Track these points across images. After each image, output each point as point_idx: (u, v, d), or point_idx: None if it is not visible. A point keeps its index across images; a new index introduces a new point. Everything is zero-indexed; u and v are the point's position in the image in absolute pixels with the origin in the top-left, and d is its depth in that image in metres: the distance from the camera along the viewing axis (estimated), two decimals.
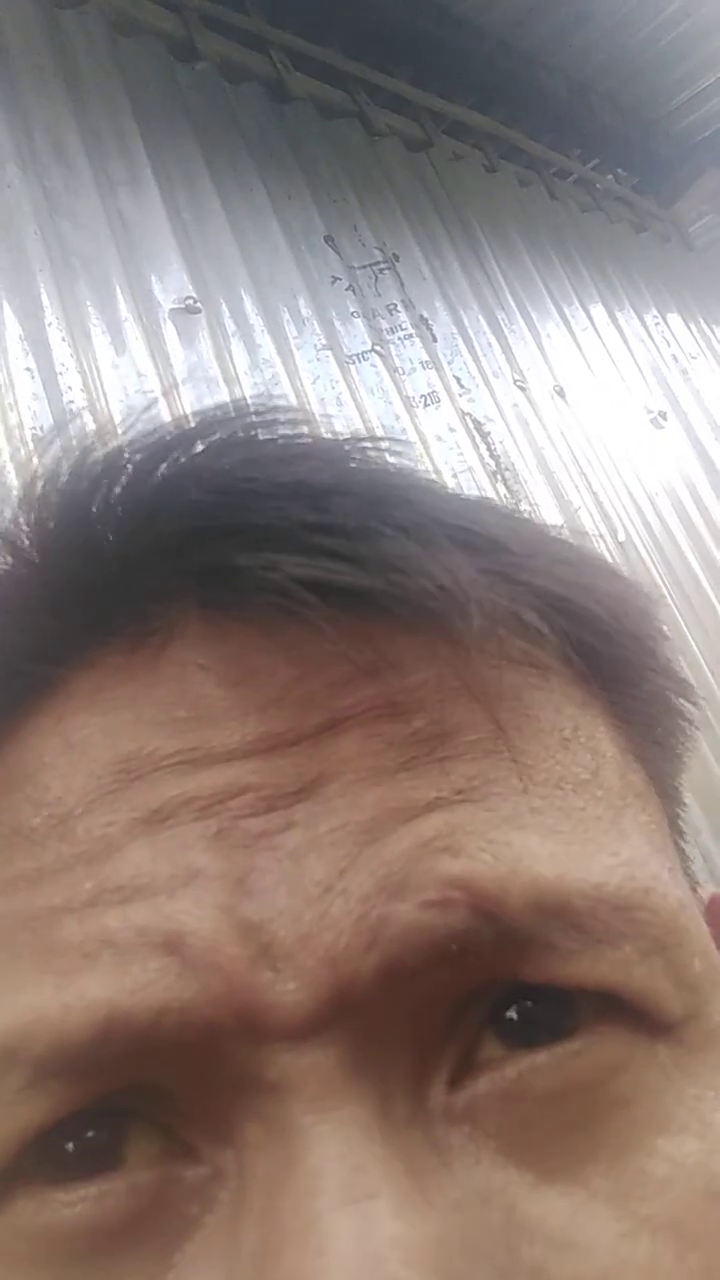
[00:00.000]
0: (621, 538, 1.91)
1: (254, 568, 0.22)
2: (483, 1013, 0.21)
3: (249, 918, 0.20)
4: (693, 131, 2.93)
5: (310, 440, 0.26)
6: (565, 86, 2.54)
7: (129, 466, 0.25)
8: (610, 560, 0.31)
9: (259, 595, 0.22)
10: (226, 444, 0.25)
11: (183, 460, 0.25)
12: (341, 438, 0.27)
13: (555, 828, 0.22)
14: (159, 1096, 0.20)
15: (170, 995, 0.19)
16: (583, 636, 0.25)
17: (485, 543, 0.24)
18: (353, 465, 0.25)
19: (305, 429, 0.26)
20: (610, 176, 2.88)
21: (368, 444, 0.27)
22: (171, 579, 0.23)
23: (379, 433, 1.55)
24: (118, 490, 0.24)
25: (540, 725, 0.24)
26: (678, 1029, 0.22)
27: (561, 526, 0.31)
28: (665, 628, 0.30)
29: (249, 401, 0.27)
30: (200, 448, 0.25)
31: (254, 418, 0.26)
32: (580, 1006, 0.21)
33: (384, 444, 0.27)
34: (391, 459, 0.27)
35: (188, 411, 1.28)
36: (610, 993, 0.21)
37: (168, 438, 0.25)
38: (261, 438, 0.26)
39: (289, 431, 0.26)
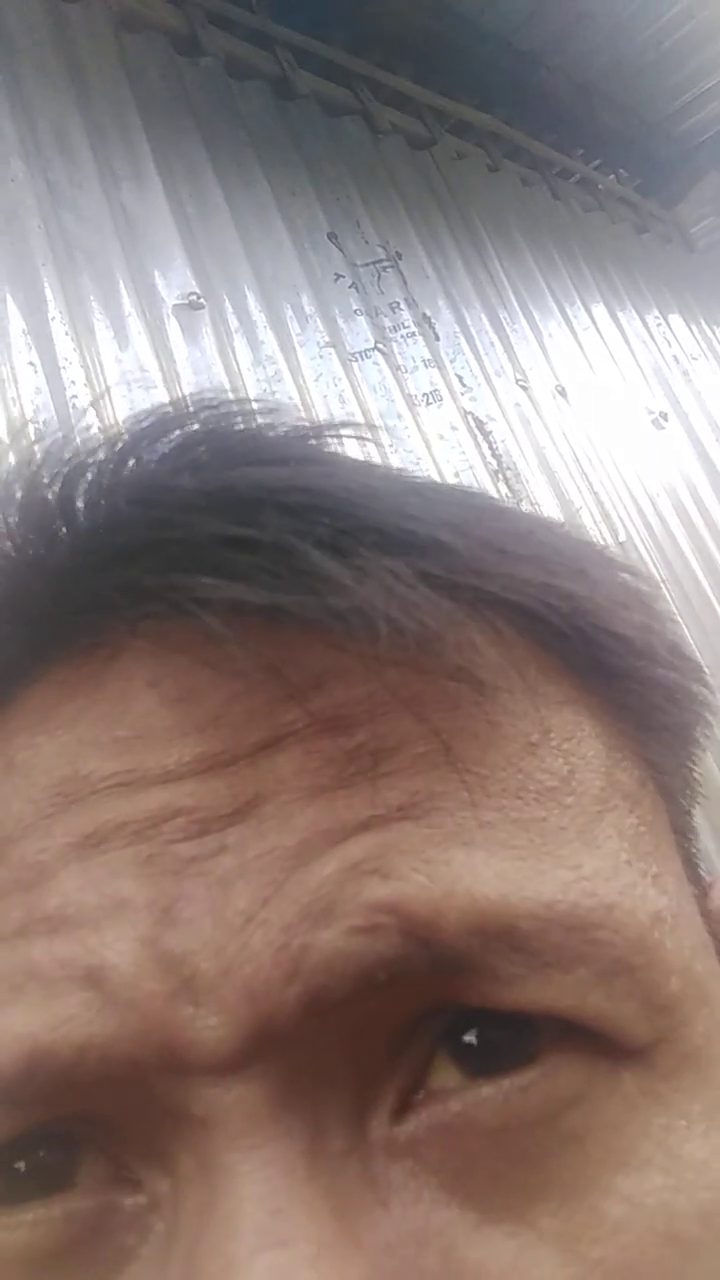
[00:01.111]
0: (622, 538, 1.91)
1: (161, 589, 0.21)
2: (433, 1038, 0.20)
3: (171, 950, 0.19)
4: (695, 134, 2.93)
5: (267, 436, 0.25)
6: (568, 87, 2.54)
7: (69, 475, 0.24)
8: (605, 548, 0.29)
9: (176, 616, 0.22)
10: (178, 446, 0.24)
11: (124, 466, 0.24)
12: (304, 427, 0.26)
13: (508, 842, 0.21)
14: (102, 1123, 0.20)
15: (92, 1031, 0.19)
16: (561, 630, 0.24)
17: (431, 545, 0.22)
18: (299, 465, 0.24)
19: (268, 421, 0.26)
20: (612, 177, 2.89)
21: (330, 433, 0.26)
22: (110, 594, 0.22)
23: (381, 431, 1.54)
24: (63, 500, 0.24)
25: (501, 731, 0.22)
26: (647, 1053, 0.21)
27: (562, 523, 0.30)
28: (669, 612, 0.28)
29: (213, 396, 0.27)
30: (146, 451, 0.24)
31: (213, 412, 0.25)
32: (542, 1030, 0.20)
33: (347, 431, 0.27)
34: (364, 447, 0.26)
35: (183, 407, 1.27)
36: (562, 1019, 0.20)
37: (118, 440, 0.25)
38: (214, 435, 0.25)
39: (243, 428, 0.25)
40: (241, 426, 0.25)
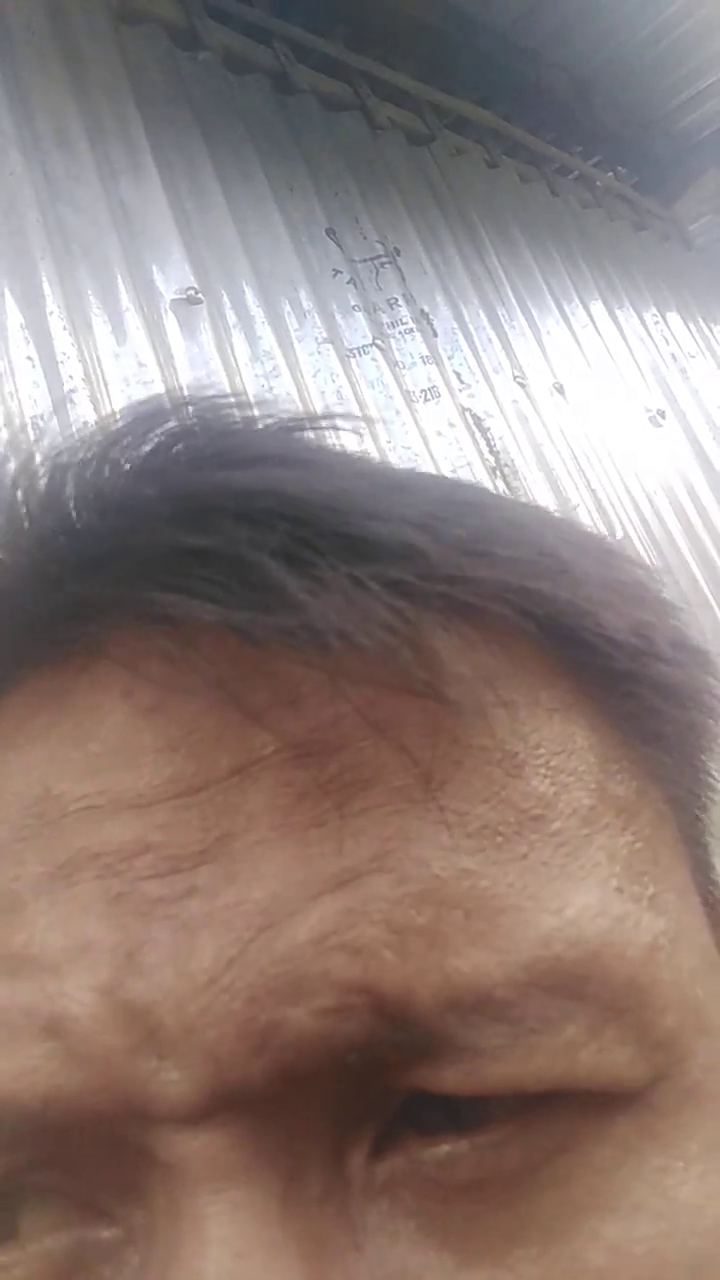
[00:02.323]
0: (619, 535, 1.91)
1: (125, 600, 0.21)
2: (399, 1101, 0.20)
3: (133, 1000, 0.19)
4: (693, 131, 2.93)
5: (245, 434, 0.24)
6: (566, 84, 2.54)
7: (45, 479, 0.24)
8: (601, 539, 0.27)
9: (144, 626, 0.21)
10: (153, 448, 0.24)
11: (99, 470, 0.23)
12: (290, 421, 0.25)
13: (487, 892, 0.19)
14: (70, 1162, 0.20)
15: (56, 1083, 0.19)
16: (543, 634, 0.22)
17: (399, 550, 0.21)
18: (270, 467, 0.23)
19: (252, 416, 0.25)
20: (610, 174, 2.89)
21: (317, 425, 0.25)
22: (79, 603, 0.22)
23: (378, 428, 1.54)
24: (36, 506, 0.24)
25: (485, 755, 0.21)
26: (644, 1094, 0.20)
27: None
28: (671, 604, 0.27)
29: (198, 392, 0.26)
30: (123, 453, 0.24)
31: (196, 409, 0.25)
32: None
33: (325, 423, 0.26)
34: (340, 438, 0.25)
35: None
36: (552, 1088, 0.19)
37: (93, 442, 0.24)
38: (190, 435, 0.24)
39: (224, 426, 0.24)
40: (222, 424, 0.24)
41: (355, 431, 0.26)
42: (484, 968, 0.19)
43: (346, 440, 0.28)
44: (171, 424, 0.24)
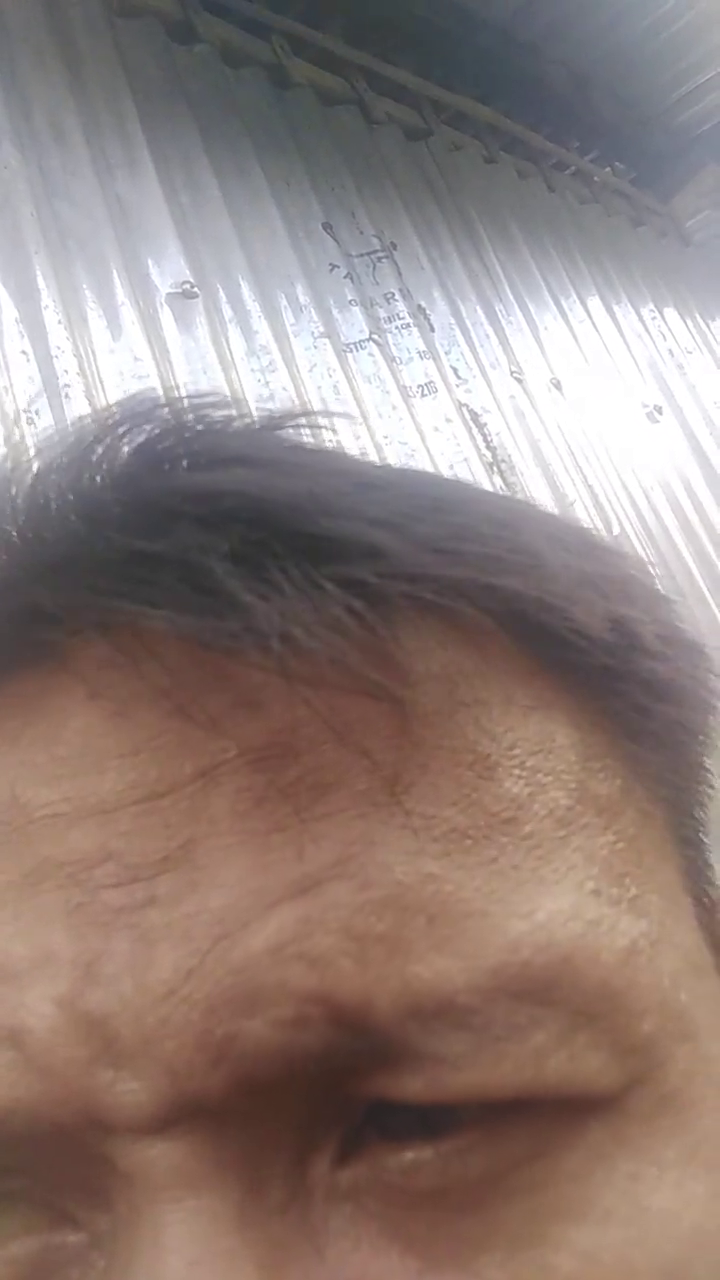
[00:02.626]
0: (616, 531, 1.91)
1: (85, 605, 0.21)
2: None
3: (91, 1012, 0.18)
4: (691, 126, 2.93)
5: (218, 434, 0.24)
6: (565, 79, 2.53)
7: (29, 484, 0.24)
8: (585, 531, 0.27)
9: (109, 630, 0.21)
10: (129, 454, 0.23)
11: (68, 477, 0.23)
12: (268, 419, 0.25)
13: (452, 897, 0.19)
14: (33, 1170, 0.20)
15: (16, 1094, 0.19)
16: (521, 627, 0.22)
17: (361, 550, 0.20)
18: (234, 468, 0.22)
19: (229, 413, 0.25)
20: (608, 170, 2.88)
21: (289, 423, 0.25)
22: (46, 606, 0.22)
23: (375, 423, 1.54)
24: (15, 506, 0.23)
25: (455, 757, 0.20)
26: (618, 1099, 0.19)
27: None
28: (661, 596, 0.26)
29: (175, 391, 0.26)
30: (91, 456, 0.23)
31: (175, 409, 0.24)
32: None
33: (306, 420, 0.25)
34: (320, 436, 0.25)
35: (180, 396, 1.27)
36: (518, 1096, 0.18)
37: (70, 445, 0.24)
38: (164, 436, 0.24)
39: (197, 426, 0.24)
40: (199, 425, 0.24)
41: (331, 429, 0.26)
42: (446, 974, 0.18)
43: (344, 438, 0.27)
44: (150, 426, 0.24)
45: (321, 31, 1.93)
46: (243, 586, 0.19)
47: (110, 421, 0.24)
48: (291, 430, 0.26)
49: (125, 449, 0.23)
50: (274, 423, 0.25)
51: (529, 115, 2.52)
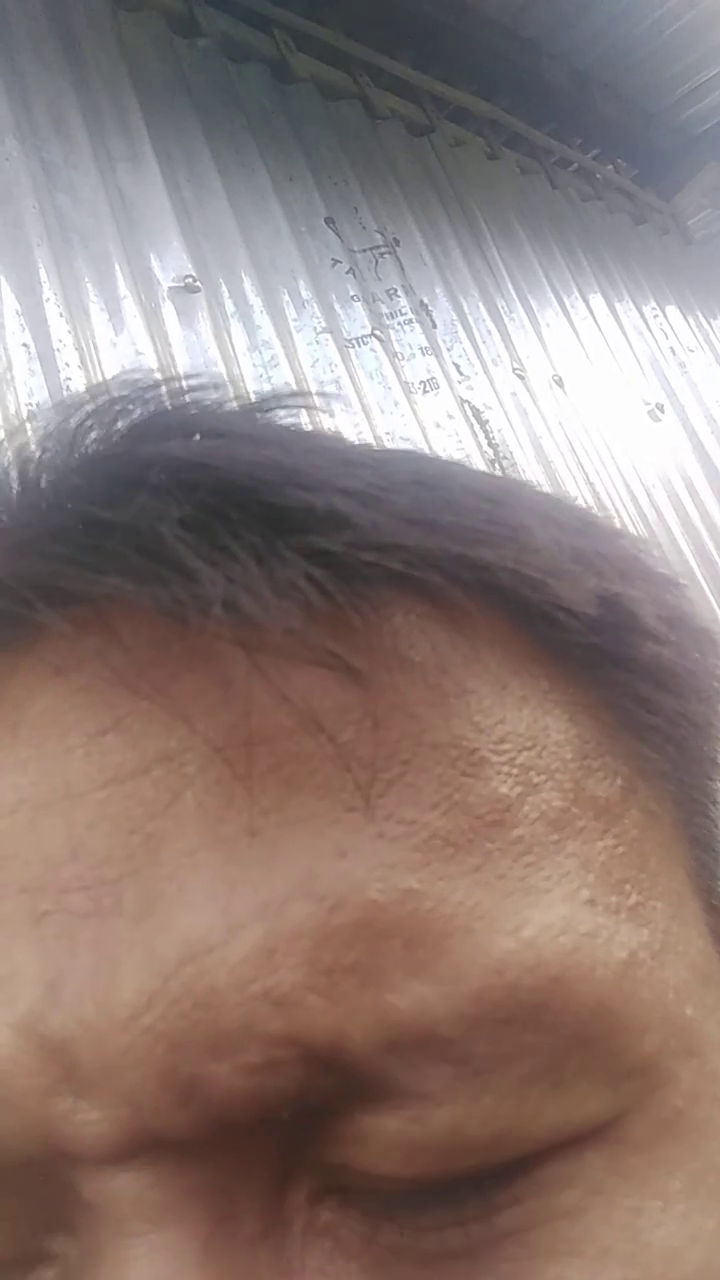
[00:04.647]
0: None
1: (37, 579, 0.20)
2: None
3: (52, 1035, 0.17)
4: (694, 124, 2.92)
5: (203, 412, 0.23)
6: (567, 75, 2.52)
7: (29, 465, 0.23)
8: (589, 514, 0.25)
9: (73, 604, 0.20)
10: (116, 430, 0.23)
11: (61, 457, 0.23)
12: (261, 400, 0.24)
13: (430, 917, 0.18)
14: (3, 1199, 0.19)
15: None
16: (514, 605, 0.21)
17: (328, 519, 0.19)
18: (209, 439, 0.21)
19: (210, 395, 0.24)
20: (610, 167, 2.88)
21: (277, 404, 0.24)
22: (12, 583, 0.21)
23: (377, 419, 1.54)
24: (7, 494, 0.23)
25: (438, 753, 0.19)
26: (615, 1127, 0.18)
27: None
28: (666, 577, 0.24)
29: (169, 375, 0.24)
30: (80, 436, 0.23)
31: (168, 390, 0.24)
32: None
33: (295, 400, 0.24)
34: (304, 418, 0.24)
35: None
36: (499, 1133, 0.17)
37: (64, 425, 0.23)
38: (155, 416, 0.23)
39: (181, 405, 0.23)
40: (184, 404, 0.23)
41: (324, 411, 0.25)
42: (425, 1002, 0.17)
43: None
44: (136, 406, 0.23)
45: (324, 26, 1.93)
46: (191, 552, 0.18)
47: (100, 401, 0.23)
48: (283, 412, 0.24)
49: (112, 427, 0.23)
50: (264, 403, 0.24)
51: (531, 112, 2.51)
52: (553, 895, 0.19)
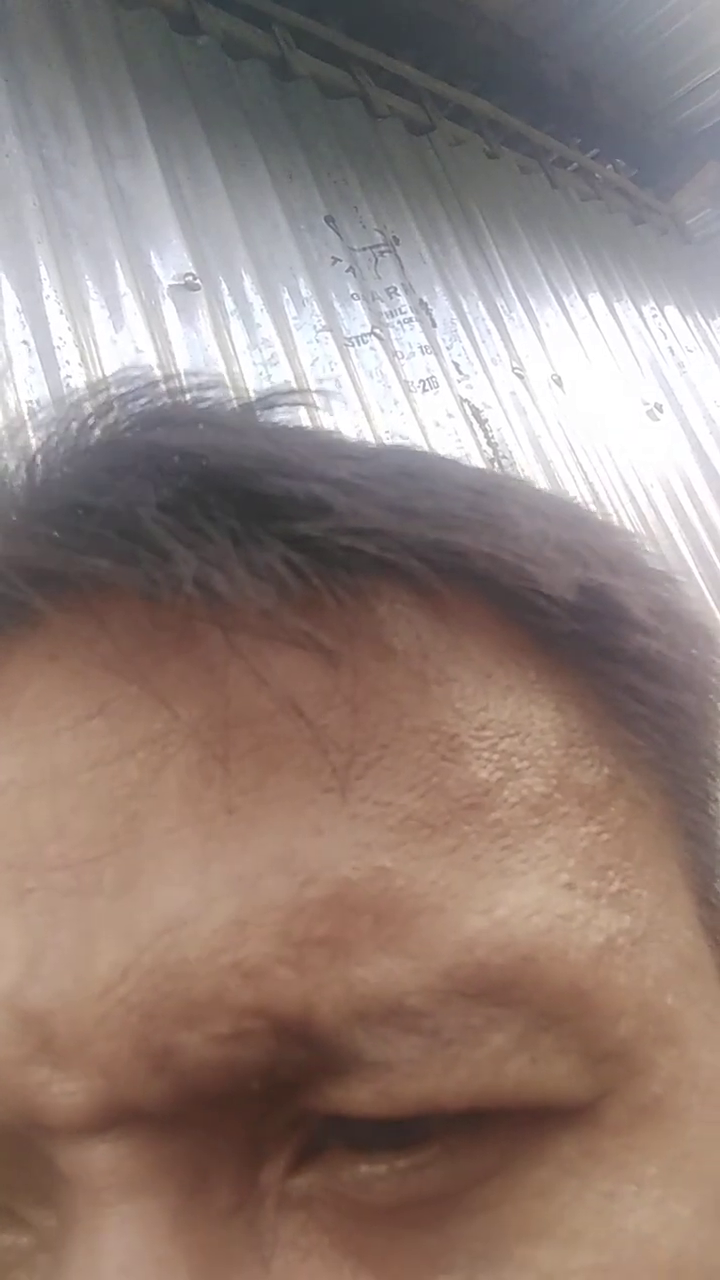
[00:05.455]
0: None
1: (25, 563, 0.20)
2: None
3: (32, 1008, 0.18)
4: (693, 124, 2.92)
5: (193, 405, 0.24)
6: (566, 75, 2.52)
7: (33, 461, 0.23)
8: (577, 507, 0.25)
9: (51, 591, 0.20)
10: (109, 422, 0.23)
11: (61, 450, 0.23)
12: (262, 396, 0.25)
13: (402, 894, 0.18)
14: None
15: None
16: (498, 593, 0.21)
17: (306, 506, 0.19)
18: (197, 429, 0.22)
19: (209, 393, 0.24)
20: (610, 167, 2.88)
21: (275, 401, 0.25)
22: (5, 569, 0.21)
23: (377, 418, 1.54)
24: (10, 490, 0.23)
25: (418, 737, 0.19)
26: (591, 1109, 0.18)
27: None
28: (657, 568, 0.24)
29: (168, 368, 0.25)
30: (79, 430, 0.23)
31: (168, 386, 0.24)
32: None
33: (293, 398, 0.25)
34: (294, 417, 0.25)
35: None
36: (473, 1106, 0.17)
37: (58, 418, 0.23)
38: (153, 411, 0.23)
39: (179, 399, 0.24)
40: (182, 398, 0.24)
41: (320, 408, 0.25)
42: (393, 975, 0.17)
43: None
44: (132, 402, 0.23)
45: (324, 24, 1.92)
46: (167, 533, 0.19)
47: (98, 398, 0.23)
48: (281, 409, 0.25)
49: (106, 422, 0.23)
50: (261, 401, 0.25)
51: (530, 111, 2.51)
52: (529, 877, 0.19)
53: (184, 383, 0.24)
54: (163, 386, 0.24)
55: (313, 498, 0.19)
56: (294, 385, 1.42)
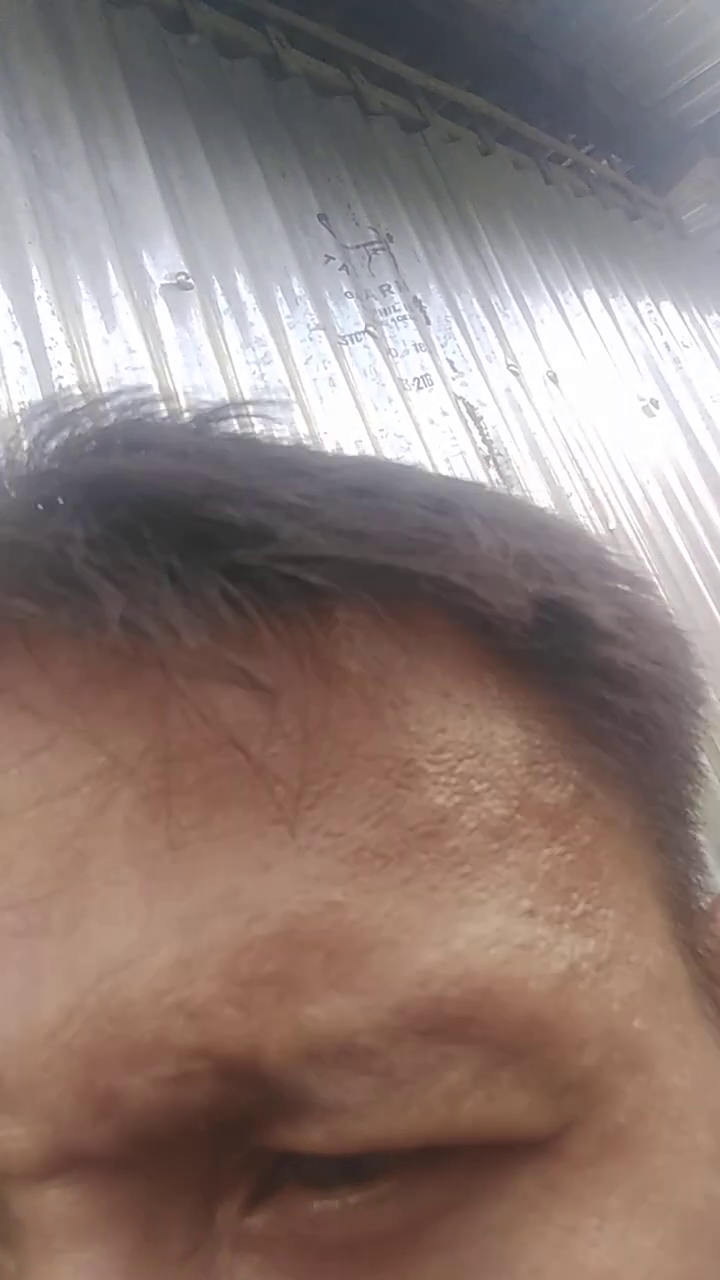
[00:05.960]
0: (612, 525, 1.91)
1: None
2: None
3: None
4: (687, 119, 2.92)
5: (147, 425, 0.23)
6: (561, 70, 2.52)
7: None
8: (549, 516, 0.25)
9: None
10: (57, 447, 0.23)
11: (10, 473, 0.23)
12: (205, 410, 0.24)
13: (353, 929, 0.17)
14: None
15: None
16: (459, 614, 0.20)
17: (248, 533, 0.19)
18: (137, 453, 0.21)
19: (169, 407, 0.24)
20: (605, 162, 2.87)
21: (230, 413, 0.24)
22: None
23: (371, 416, 1.53)
24: None
25: (371, 764, 0.18)
26: (553, 1142, 0.18)
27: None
28: (631, 576, 0.24)
29: (109, 386, 0.25)
30: (20, 455, 0.23)
31: (112, 403, 0.24)
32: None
33: (247, 410, 0.24)
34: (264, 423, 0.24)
35: (177, 389, 1.27)
36: (428, 1145, 0.17)
37: (15, 439, 0.23)
38: (97, 431, 0.23)
39: (124, 418, 0.23)
40: (126, 417, 0.23)
41: (271, 419, 0.25)
42: (344, 1014, 0.17)
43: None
44: (72, 420, 0.23)
45: (316, 21, 1.92)
46: (95, 571, 0.18)
47: (48, 416, 0.23)
48: (236, 420, 0.24)
49: (47, 445, 0.23)
50: (212, 414, 0.24)
51: (525, 107, 2.51)
52: (487, 906, 0.18)
53: (133, 399, 0.24)
54: (109, 405, 0.23)
55: (254, 524, 0.19)
56: (282, 385, 1.41)
